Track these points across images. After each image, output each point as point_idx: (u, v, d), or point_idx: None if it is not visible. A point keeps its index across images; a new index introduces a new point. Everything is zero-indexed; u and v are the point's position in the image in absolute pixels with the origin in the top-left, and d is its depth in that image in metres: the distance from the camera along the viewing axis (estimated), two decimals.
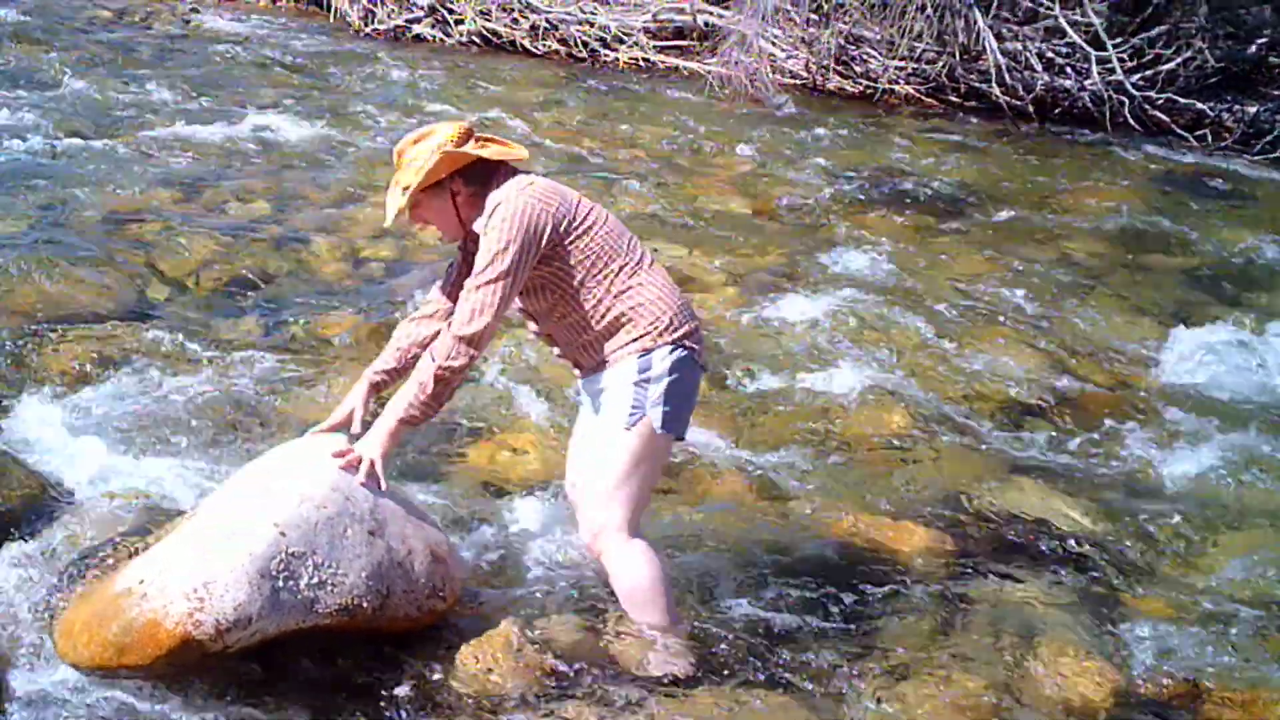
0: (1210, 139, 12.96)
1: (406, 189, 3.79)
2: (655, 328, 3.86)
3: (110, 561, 3.99)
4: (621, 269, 3.86)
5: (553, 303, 3.87)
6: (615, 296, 3.85)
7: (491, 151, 3.84)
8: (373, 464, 3.81)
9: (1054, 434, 6.13)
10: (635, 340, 3.86)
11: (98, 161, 8.74)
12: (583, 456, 4.09)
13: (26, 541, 4.24)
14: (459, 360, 3.72)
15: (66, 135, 9.21)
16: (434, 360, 3.72)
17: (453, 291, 4.00)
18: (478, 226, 3.83)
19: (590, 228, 3.83)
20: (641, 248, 3.97)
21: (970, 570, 4.86)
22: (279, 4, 15.87)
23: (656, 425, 3.86)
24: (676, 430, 3.95)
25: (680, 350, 3.88)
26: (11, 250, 6.81)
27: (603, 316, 3.86)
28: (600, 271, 3.83)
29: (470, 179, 3.82)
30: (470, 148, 3.81)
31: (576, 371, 4.10)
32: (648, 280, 3.89)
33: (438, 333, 3.95)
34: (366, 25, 14.74)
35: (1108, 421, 6.30)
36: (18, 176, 8.23)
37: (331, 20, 15.02)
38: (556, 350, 4.08)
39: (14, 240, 7.00)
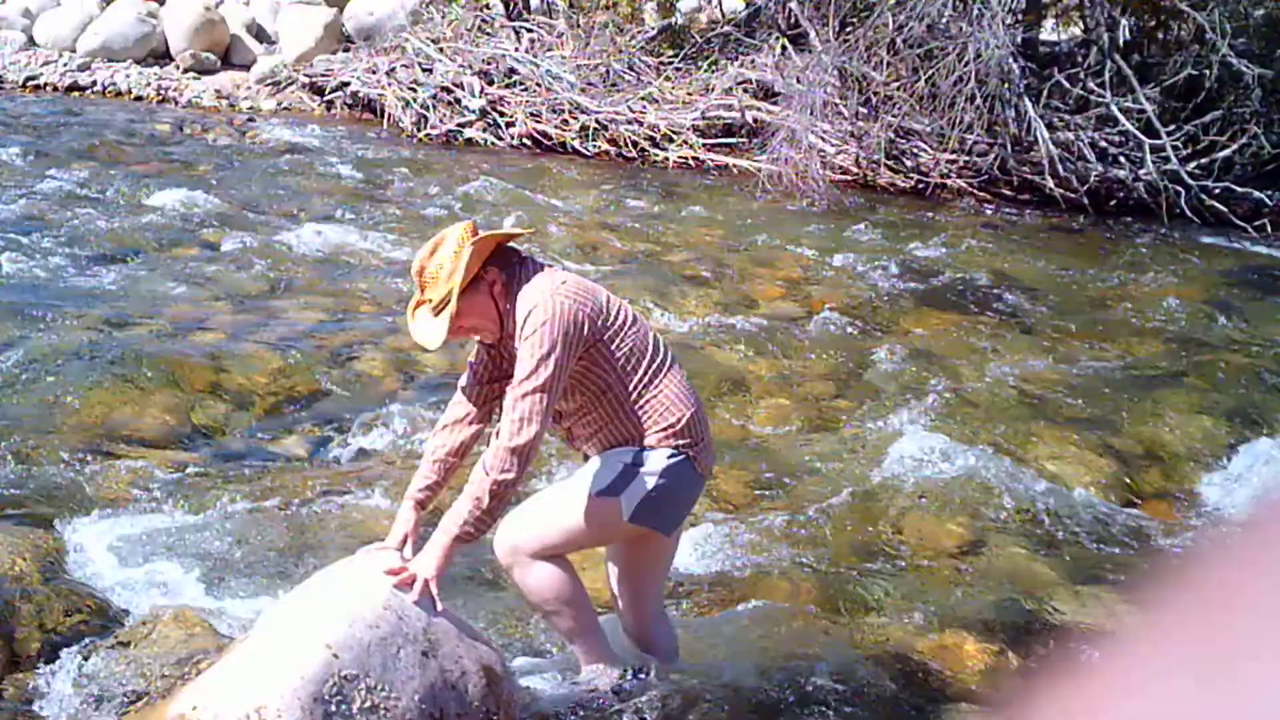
0: (1270, 229, 12.78)
1: (445, 301, 3.71)
2: (666, 430, 3.87)
3: (163, 687, 3.99)
4: (648, 370, 3.86)
5: (581, 402, 3.87)
6: (638, 397, 3.85)
7: (505, 232, 3.84)
8: (426, 583, 3.77)
9: (1117, 543, 6.00)
10: (643, 437, 3.87)
11: (155, 274, 8.88)
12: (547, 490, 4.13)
13: (81, 667, 4.22)
14: (512, 473, 3.67)
15: (124, 248, 9.39)
16: (487, 474, 3.67)
17: (478, 393, 3.97)
18: (509, 324, 3.79)
19: (621, 327, 3.83)
20: (665, 347, 4.00)
21: (1035, 687, 4.70)
22: (333, 113, 16.14)
23: (624, 514, 3.87)
24: (653, 524, 3.95)
25: (679, 456, 3.89)
26: (69, 368, 6.89)
27: (624, 415, 3.86)
28: (628, 371, 3.83)
29: (500, 267, 3.77)
30: (481, 234, 3.76)
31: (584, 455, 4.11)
32: (667, 382, 3.90)
33: (473, 437, 3.96)
34: (419, 131, 14.96)
35: (1173, 530, 6.17)
36: (76, 291, 8.37)
37: (385, 127, 15.25)
38: (571, 442, 4.10)
39: (72, 357, 7.06)
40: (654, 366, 3.88)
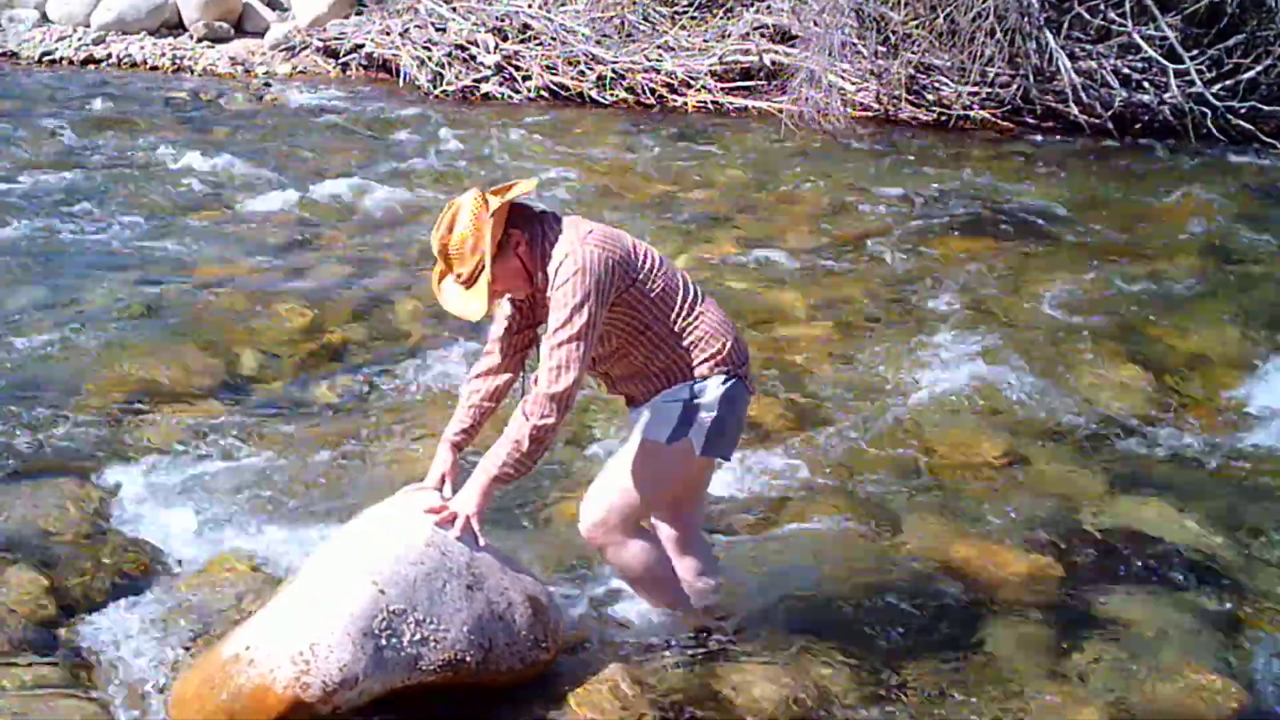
0: None
1: (476, 272, 3.71)
2: (713, 358, 3.90)
3: (216, 629, 4.05)
4: (678, 307, 3.89)
5: (616, 345, 3.89)
6: (676, 333, 3.88)
7: (515, 192, 3.81)
8: (468, 520, 3.79)
9: (1158, 449, 6.02)
10: (690, 371, 3.90)
11: (180, 236, 8.91)
12: (618, 453, 4.12)
13: (135, 614, 4.30)
14: (552, 418, 3.70)
15: (150, 213, 9.43)
16: (527, 419, 3.70)
17: (510, 341, 4.00)
18: (539, 279, 3.80)
19: (650, 270, 3.85)
20: (693, 283, 4.02)
21: (1080, 591, 4.77)
22: (349, 75, 16.08)
23: (697, 449, 3.94)
24: (721, 452, 4.04)
25: (733, 379, 3.93)
26: (102, 328, 6.99)
27: (664, 353, 3.89)
28: (662, 311, 3.86)
29: (520, 227, 3.77)
30: (495, 200, 3.75)
31: (630, 405, 4.11)
32: (703, 314, 3.93)
33: (507, 383, 4.01)
34: (435, 88, 14.89)
35: (1212, 435, 6.19)
36: (104, 255, 8.44)
37: (401, 85, 15.20)
38: (610, 386, 4.11)
39: (104, 318, 7.16)
40: (688, 301, 3.91)
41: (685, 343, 3.88)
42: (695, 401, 3.89)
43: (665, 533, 4.23)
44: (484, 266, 3.69)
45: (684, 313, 3.89)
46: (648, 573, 4.15)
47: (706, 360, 3.89)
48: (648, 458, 3.97)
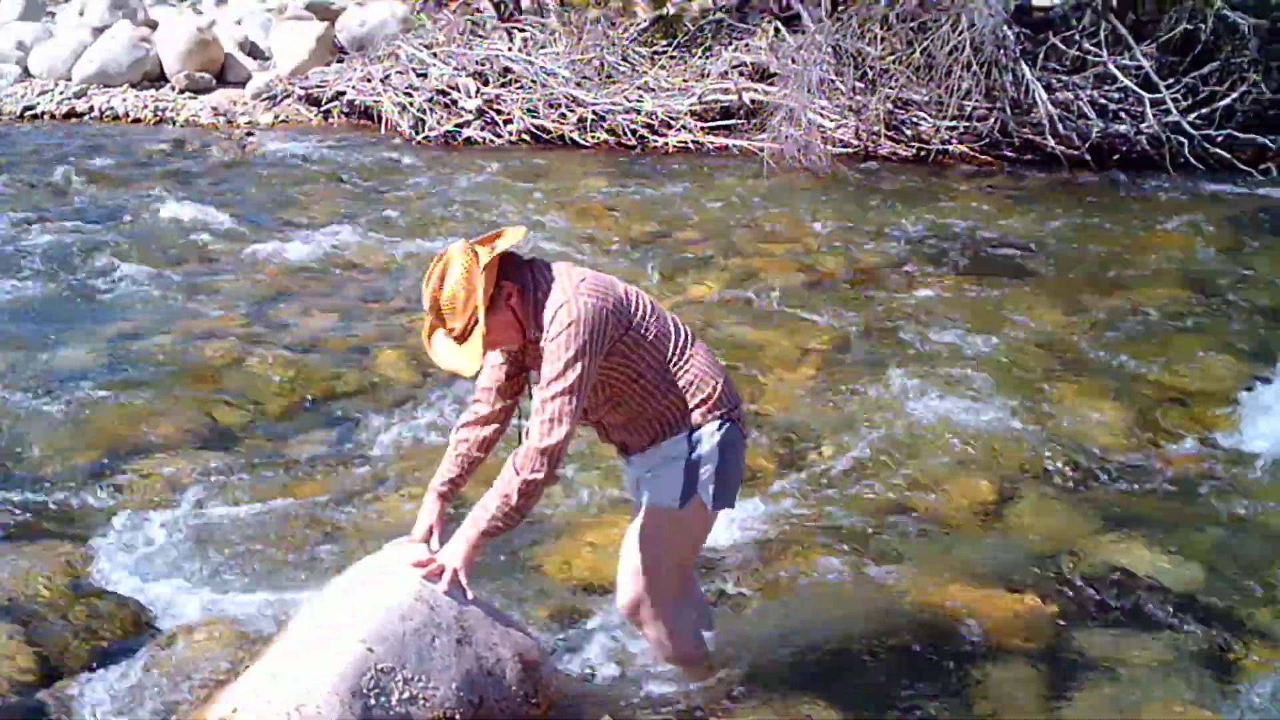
0: (1276, 171, 12.79)
1: (469, 327, 3.66)
2: (706, 403, 3.87)
3: (203, 690, 4.01)
4: (670, 352, 3.86)
5: (610, 394, 3.85)
6: (669, 379, 3.85)
7: (504, 243, 3.76)
8: (455, 574, 3.77)
9: (1145, 487, 6.01)
10: (684, 418, 3.87)
11: (165, 288, 8.90)
12: (633, 528, 4.09)
13: (119, 675, 4.26)
14: (542, 473, 3.68)
15: (133, 265, 9.39)
16: (517, 474, 3.67)
17: (499, 390, 3.96)
18: (531, 330, 3.77)
19: (641, 317, 3.81)
20: (683, 325, 3.99)
21: (1070, 631, 4.77)
22: (331, 122, 16.12)
23: (708, 503, 3.93)
24: (727, 503, 4.02)
25: (727, 424, 3.91)
26: (85, 381, 6.96)
27: (657, 400, 3.86)
28: (655, 358, 3.83)
29: (510, 278, 3.73)
30: (485, 252, 3.71)
31: (621, 454, 4.08)
32: (693, 358, 3.91)
33: (495, 433, 3.98)
34: (418, 133, 14.93)
35: (1199, 471, 6.17)
36: (90, 308, 8.42)
37: (383, 132, 15.24)
38: (604, 435, 4.07)
39: (85, 372, 7.13)
40: (679, 345, 3.89)
41: (678, 388, 3.85)
42: (695, 455, 3.87)
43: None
44: (477, 321, 3.64)
45: (676, 358, 3.86)
46: (683, 644, 4.19)
47: (700, 406, 3.87)
48: (666, 525, 3.97)
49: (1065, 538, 5.46)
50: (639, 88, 14.97)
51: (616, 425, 3.96)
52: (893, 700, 4.28)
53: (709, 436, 3.87)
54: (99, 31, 17.79)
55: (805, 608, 4.89)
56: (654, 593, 4.03)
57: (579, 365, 3.62)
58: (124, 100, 16.55)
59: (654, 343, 3.82)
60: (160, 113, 16.34)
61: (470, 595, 3.82)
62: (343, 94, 16.14)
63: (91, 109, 16.40)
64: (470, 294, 3.63)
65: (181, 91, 16.88)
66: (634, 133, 14.57)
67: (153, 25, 18.46)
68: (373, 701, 3.50)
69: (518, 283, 3.72)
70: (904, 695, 4.31)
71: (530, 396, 3.83)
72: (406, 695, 3.57)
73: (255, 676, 3.63)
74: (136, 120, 16.16)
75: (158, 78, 17.28)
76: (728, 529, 5.40)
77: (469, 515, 3.78)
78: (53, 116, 16.24)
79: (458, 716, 3.62)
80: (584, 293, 3.67)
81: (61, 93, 16.70)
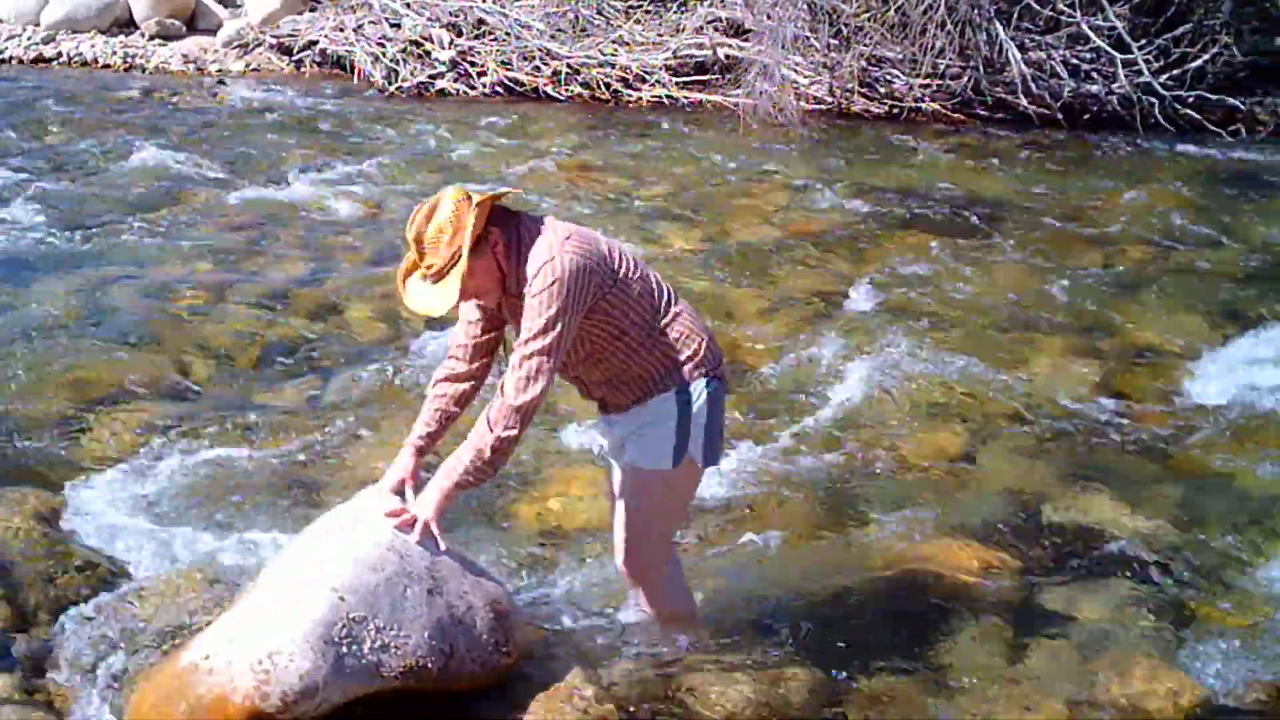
0: (1245, 133, 12.87)
1: (450, 264, 3.60)
2: (690, 362, 3.87)
3: (174, 638, 4.01)
4: (654, 310, 3.84)
5: (589, 350, 3.83)
6: (650, 337, 3.82)
7: (497, 194, 3.74)
8: (427, 524, 3.78)
9: (1111, 442, 6.08)
10: (670, 376, 3.86)
11: (134, 238, 8.84)
12: (624, 490, 4.09)
13: (91, 624, 4.24)
14: (515, 430, 3.68)
15: (102, 213, 9.32)
16: (491, 430, 3.66)
17: (475, 345, 3.93)
18: (512, 283, 3.74)
19: (624, 275, 3.78)
20: (666, 283, 3.96)
21: (1036, 585, 4.83)
22: (303, 71, 15.99)
23: (699, 461, 3.94)
24: (715, 460, 4.04)
25: (714, 382, 3.91)
26: (56, 331, 6.91)
27: (640, 358, 3.84)
28: (638, 315, 3.80)
29: (501, 228, 3.69)
30: (478, 196, 3.68)
31: (602, 412, 4.07)
32: (678, 316, 3.89)
33: (473, 388, 3.96)
34: (390, 84, 14.84)
35: (1164, 427, 6.25)
36: (57, 258, 8.34)
37: (355, 82, 15.12)
38: (585, 391, 4.06)
39: (57, 321, 7.07)
40: (664, 303, 3.87)
41: (662, 347, 3.84)
42: (685, 414, 3.87)
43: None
44: (459, 258, 3.58)
45: (660, 316, 3.84)
46: (681, 601, 4.25)
47: (685, 364, 3.86)
48: (660, 487, 3.97)
49: (1031, 492, 5.53)
50: (613, 41, 14.90)
51: (598, 382, 3.94)
52: (860, 651, 4.32)
53: (698, 394, 3.87)
54: None
55: (771, 561, 4.93)
56: (654, 554, 4.08)
57: (559, 324, 3.60)
58: (93, 46, 16.37)
59: (638, 300, 3.79)
60: (130, 59, 16.16)
61: (442, 546, 3.83)
62: (315, 43, 16.00)
63: (60, 55, 16.21)
64: (458, 230, 3.58)
65: (151, 38, 16.70)
66: (608, 86, 14.52)
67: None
68: (344, 650, 3.51)
69: (504, 234, 3.68)
70: (871, 646, 4.35)
71: (507, 353, 3.82)
72: (378, 644, 3.58)
73: (226, 624, 3.64)
74: (106, 67, 15.98)
75: (127, 24, 17.08)
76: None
77: (442, 467, 3.78)
78: (20, 62, 16.04)
79: (429, 665, 3.64)
80: (569, 250, 3.64)
81: (30, 38, 16.50)
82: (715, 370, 3.92)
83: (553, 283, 3.59)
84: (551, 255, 3.61)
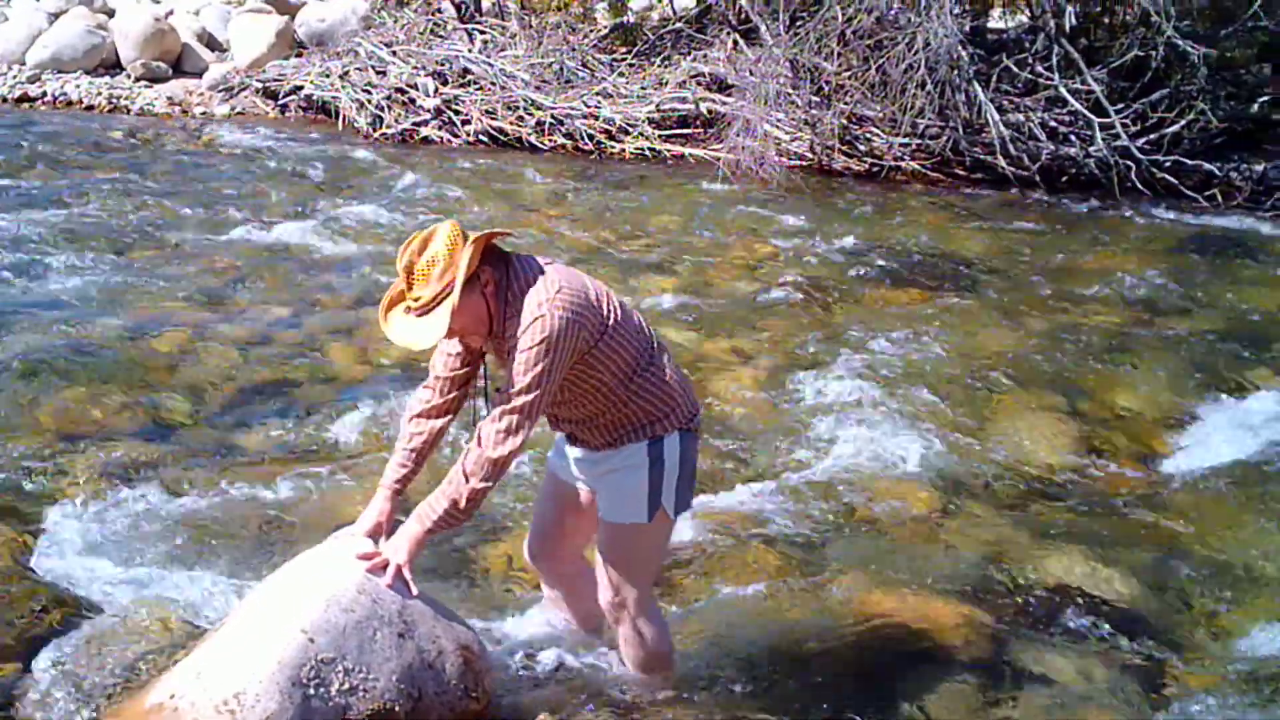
0: (1220, 199, 12.96)
1: (440, 297, 3.56)
2: (666, 413, 3.86)
3: (142, 677, 3.99)
4: (636, 360, 3.81)
5: (569, 396, 3.81)
6: (628, 388, 3.80)
7: (493, 233, 3.71)
8: (399, 568, 3.78)
9: (1082, 503, 6.08)
10: (645, 428, 3.86)
11: (116, 277, 8.85)
12: (600, 541, 4.08)
13: (58, 662, 4.22)
14: (491, 481, 3.68)
15: (85, 253, 9.32)
16: (467, 480, 3.66)
17: (448, 382, 3.91)
18: (498, 326, 3.70)
19: (612, 326, 3.74)
20: (651, 331, 3.95)
21: (1007, 642, 4.82)
22: (288, 116, 16.09)
23: (671, 512, 3.94)
24: (686, 508, 4.04)
25: (686, 435, 3.92)
26: (34, 368, 6.89)
27: (615, 407, 3.83)
28: (619, 368, 3.77)
29: (493, 269, 3.65)
30: (473, 234, 3.65)
31: (569, 442, 4.04)
32: (658, 366, 3.87)
33: (444, 426, 3.95)
34: (375, 130, 14.93)
35: (1136, 489, 6.27)
36: (38, 295, 8.35)
37: (340, 128, 15.22)
38: (554, 424, 4.04)
39: (35, 358, 7.05)
40: (646, 354, 3.84)
41: (639, 399, 3.82)
42: (657, 466, 3.86)
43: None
44: (449, 293, 3.54)
45: (640, 366, 3.81)
46: (662, 657, 4.24)
47: (662, 417, 3.85)
48: (637, 539, 3.97)
49: (1004, 551, 5.52)
50: (597, 94, 15.05)
51: (569, 419, 3.93)
52: (831, 705, 4.32)
53: (670, 448, 3.88)
54: (54, 17, 17.69)
55: (746, 613, 4.91)
56: (640, 598, 4.07)
57: (544, 381, 3.59)
58: (78, 87, 16.44)
59: (621, 351, 3.76)
60: (115, 100, 16.25)
61: (414, 590, 3.83)
62: (300, 88, 16.12)
63: (45, 94, 16.29)
64: (451, 263, 3.54)
65: (137, 80, 16.79)
66: (591, 138, 14.64)
67: (110, 13, 18.34)
68: (312, 691, 3.51)
69: (496, 274, 3.65)
70: (842, 701, 4.34)
71: (489, 394, 3.82)
72: (346, 686, 3.58)
73: (194, 663, 3.64)
74: (90, 107, 16.06)
75: (113, 65, 17.18)
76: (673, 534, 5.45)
77: (415, 511, 3.78)
78: (4, 100, 16.11)
79: (397, 708, 3.64)
80: (559, 305, 3.59)
81: (15, 77, 16.57)
82: (689, 423, 3.92)
83: (541, 340, 3.56)
84: (542, 312, 3.57)
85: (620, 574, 4.01)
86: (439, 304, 3.57)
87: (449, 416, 3.96)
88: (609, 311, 3.75)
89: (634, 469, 3.87)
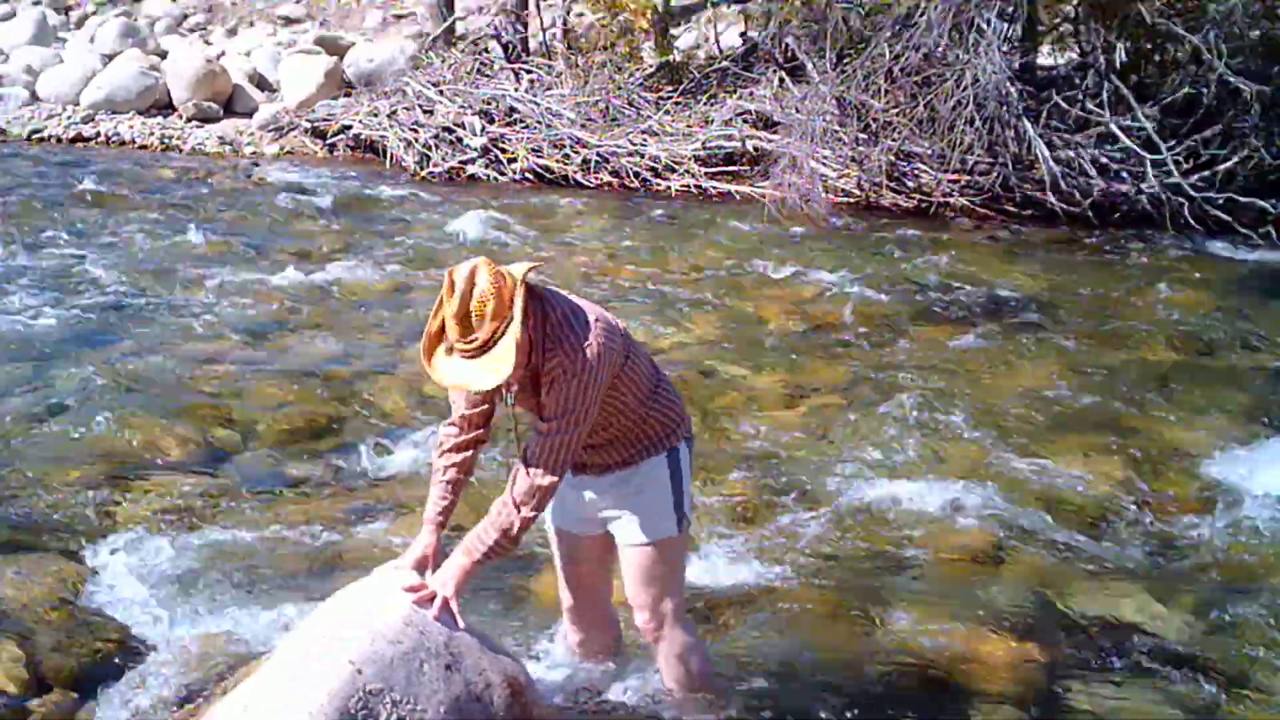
0: (1276, 235, 12.77)
1: (499, 332, 3.50)
2: (676, 423, 3.98)
3: (192, 707, 3.99)
4: (649, 377, 3.93)
5: (597, 421, 3.82)
6: (648, 403, 3.90)
7: (525, 267, 3.68)
8: (446, 601, 3.77)
9: (1138, 540, 6.00)
10: (663, 439, 3.95)
11: (167, 313, 8.95)
12: (629, 569, 4.07)
13: (109, 693, 4.27)
14: (540, 510, 3.73)
15: (138, 289, 9.45)
16: (517, 508, 3.69)
17: (476, 413, 3.91)
18: (537, 358, 3.69)
19: (632, 351, 3.85)
20: (647, 352, 4.06)
21: (1060, 681, 4.76)
22: (336, 155, 16.24)
23: (690, 520, 4.06)
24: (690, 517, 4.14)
25: (689, 443, 4.05)
26: (87, 402, 6.99)
27: (638, 422, 3.90)
28: (636, 387, 3.87)
29: (531, 302, 3.64)
30: (506, 271, 3.62)
31: (576, 473, 3.98)
32: (664, 381, 4.01)
33: (476, 454, 3.98)
34: (422, 169, 15.03)
35: (1191, 527, 6.17)
36: (92, 330, 8.45)
37: (387, 166, 15.33)
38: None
39: (89, 393, 7.14)
40: (655, 372, 3.97)
41: (655, 413, 3.92)
42: (677, 476, 3.95)
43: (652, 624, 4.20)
44: (507, 328, 3.50)
45: (653, 385, 3.93)
46: (704, 674, 4.24)
47: (673, 428, 3.96)
48: (667, 553, 4.01)
49: (1056, 588, 5.45)
50: (643, 131, 15.07)
51: (591, 445, 3.91)
52: None
53: (684, 457, 3.99)
54: (109, 59, 17.97)
55: (793, 648, 4.89)
56: (675, 619, 4.09)
57: (587, 409, 3.65)
58: (131, 127, 16.67)
59: (638, 372, 3.87)
60: (167, 140, 16.46)
61: (460, 623, 3.81)
62: (349, 127, 16.27)
63: (98, 134, 16.53)
64: (504, 301, 3.51)
65: (189, 120, 17.01)
66: (637, 175, 14.66)
67: (162, 54, 18.62)
68: None
69: (534, 309, 3.64)
70: None
71: (517, 431, 3.86)
72: (394, 717, 3.55)
73: (243, 696, 3.63)
74: (143, 147, 16.27)
75: (165, 106, 17.41)
76: (717, 566, 5.43)
77: (462, 544, 3.78)
78: (59, 140, 16.37)
79: None
80: (600, 335, 3.66)
81: (69, 117, 16.83)
82: (689, 433, 4.05)
83: (585, 369, 3.61)
84: (588, 342, 3.62)
85: (656, 592, 4.03)
86: (496, 343, 3.52)
87: (476, 448, 3.99)
88: (626, 336, 3.87)
89: (658, 484, 3.95)
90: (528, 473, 3.68)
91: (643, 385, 3.87)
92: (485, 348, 3.54)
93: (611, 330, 3.73)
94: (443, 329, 3.60)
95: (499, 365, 3.53)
